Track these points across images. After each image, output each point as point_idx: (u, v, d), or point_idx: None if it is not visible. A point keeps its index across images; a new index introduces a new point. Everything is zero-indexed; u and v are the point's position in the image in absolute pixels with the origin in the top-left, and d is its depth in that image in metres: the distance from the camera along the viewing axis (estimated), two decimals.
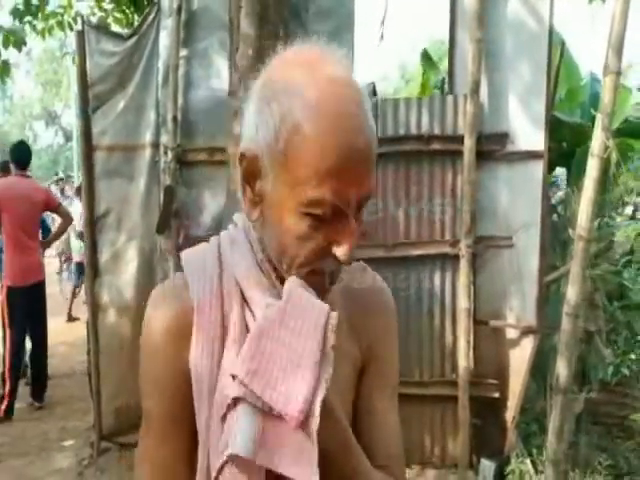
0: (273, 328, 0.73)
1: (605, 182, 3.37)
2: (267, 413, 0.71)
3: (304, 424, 0.70)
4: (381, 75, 28.20)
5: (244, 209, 0.82)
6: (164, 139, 3.80)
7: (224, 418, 0.74)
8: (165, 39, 3.85)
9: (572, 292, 2.71)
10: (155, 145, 3.86)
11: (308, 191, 0.71)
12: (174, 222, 3.71)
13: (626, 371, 3.67)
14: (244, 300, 0.81)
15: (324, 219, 0.74)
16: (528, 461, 3.19)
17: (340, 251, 0.75)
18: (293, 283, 0.76)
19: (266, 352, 0.72)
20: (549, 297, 3.75)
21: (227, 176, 3.27)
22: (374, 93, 4.94)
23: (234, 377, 0.72)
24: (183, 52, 3.83)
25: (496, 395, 3.43)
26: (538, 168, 3.43)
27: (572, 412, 3.91)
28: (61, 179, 12.56)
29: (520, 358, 3.39)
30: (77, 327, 4.19)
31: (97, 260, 3.87)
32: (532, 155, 3.44)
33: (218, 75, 3.80)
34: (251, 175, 0.78)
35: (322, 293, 0.79)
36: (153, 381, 0.83)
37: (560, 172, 6.45)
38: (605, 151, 2.72)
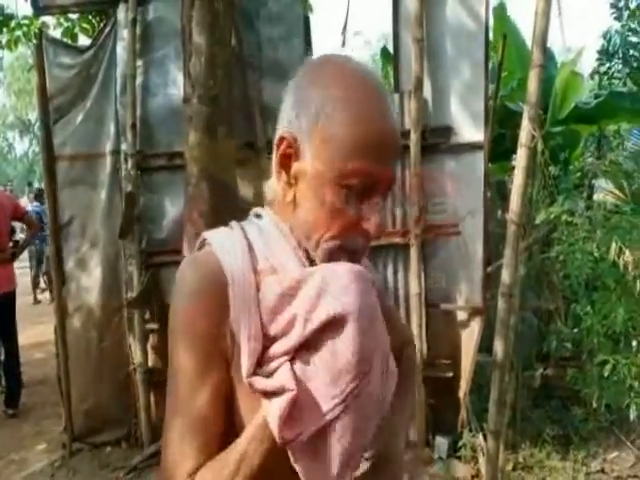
0: None
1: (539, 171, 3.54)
2: None
3: None
4: None
5: (278, 193, 0.89)
6: (124, 147, 3.92)
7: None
8: (122, 50, 3.97)
9: (506, 274, 2.88)
10: (116, 153, 3.96)
11: (348, 162, 0.81)
12: (137, 227, 3.83)
13: (569, 345, 3.86)
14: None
15: (357, 192, 0.82)
16: (480, 435, 3.37)
17: (370, 225, 0.83)
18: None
19: None
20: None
21: (185, 179, 3.40)
22: None
23: None
24: (140, 62, 3.96)
25: (449, 374, 3.61)
26: (480, 158, 3.62)
27: (530, 387, 4.14)
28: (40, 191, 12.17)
29: (469, 338, 3.57)
30: (51, 335, 4.26)
31: (62, 267, 3.98)
32: (474, 146, 3.62)
33: (174, 83, 3.94)
34: (288, 157, 0.86)
35: None
36: (191, 332, 0.84)
37: None
38: (532, 141, 2.92)
